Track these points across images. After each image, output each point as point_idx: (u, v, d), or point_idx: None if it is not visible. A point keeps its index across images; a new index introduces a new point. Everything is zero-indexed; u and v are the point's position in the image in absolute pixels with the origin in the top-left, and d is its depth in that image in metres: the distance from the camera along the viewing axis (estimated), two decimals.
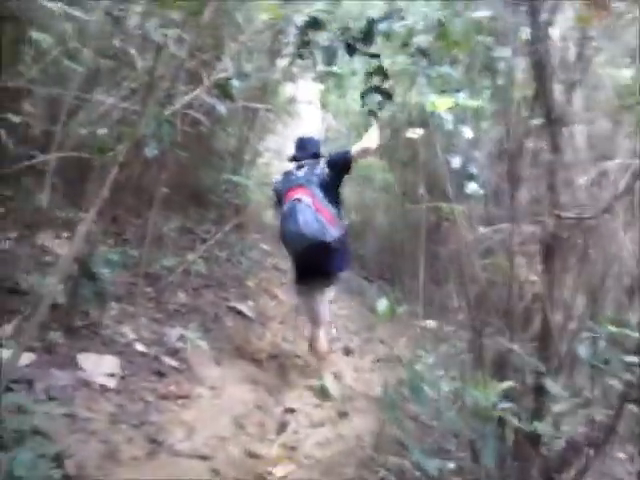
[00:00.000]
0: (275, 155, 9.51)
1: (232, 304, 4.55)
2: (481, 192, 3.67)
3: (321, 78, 8.02)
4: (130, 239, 4.82)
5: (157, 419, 2.57)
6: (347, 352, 4.25)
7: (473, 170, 3.40)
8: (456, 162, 3.55)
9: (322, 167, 3.68)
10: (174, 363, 3.14)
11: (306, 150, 3.89)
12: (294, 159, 3.88)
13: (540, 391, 2.33)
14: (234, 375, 3.37)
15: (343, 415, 3.19)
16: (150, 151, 2.84)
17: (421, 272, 4.65)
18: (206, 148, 6.93)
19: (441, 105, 2.87)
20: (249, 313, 4.54)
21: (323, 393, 3.51)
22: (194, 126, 5.80)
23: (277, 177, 3.98)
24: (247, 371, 3.51)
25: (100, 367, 2.72)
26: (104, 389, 2.61)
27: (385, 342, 4.64)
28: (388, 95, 3.42)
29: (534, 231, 3.25)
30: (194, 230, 5.83)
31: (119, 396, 2.61)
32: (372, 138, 3.80)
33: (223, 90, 3.32)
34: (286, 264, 6.82)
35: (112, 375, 2.72)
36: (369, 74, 3.84)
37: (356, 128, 8.95)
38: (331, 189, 3.64)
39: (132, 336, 3.23)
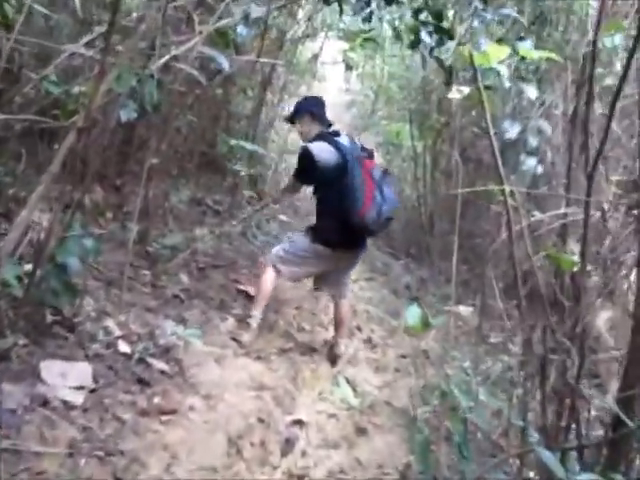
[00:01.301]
0: None
1: (242, 287, 4.00)
2: (540, 169, 3.01)
3: (347, 36, 7.27)
4: (132, 211, 4.28)
5: (131, 446, 2.04)
6: (369, 346, 3.67)
7: (532, 142, 2.74)
8: (512, 131, 2.89)
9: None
10: (163, 366, 2.60)
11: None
12: (328, 124, 3.34)
13: (620, 439, 1.73)
14: (236, 378, 2.83)
15: (362, 432, 2.63)
16: (126, 113, 2.24)
17: (455, 253, 4.02)
18: (221, 111, 6.32)
19: (494, 55, 2.20)
20: None
21: (339, 400, 2.96)
22: (204, 87, 5.18)
23: (341, 139, 3.17)
24: (252, 372, 2.96)
25: (67, 378, 2.19)
26: (68, 407, 2.08)
27: (411, 333, 4.05)
28: (446, 32, 2.72)
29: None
30: (205, 201, 5.26)
31: (86, 416, 2.09)
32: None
33: (225, 40, 2.69)
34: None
35: (81, 388, 2.19)
36: (417, 11, 3.14)
37: (384, 92, 8.21)
38: None
39: (116, 332, 2.70)
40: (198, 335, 2.73)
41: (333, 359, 3.39)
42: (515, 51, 2.34)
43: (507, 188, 2.27)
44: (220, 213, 5.32)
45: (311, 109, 3.29)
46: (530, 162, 2.87)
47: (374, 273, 5.45)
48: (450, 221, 5.77)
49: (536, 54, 2.22)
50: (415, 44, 3.57)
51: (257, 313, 3.32)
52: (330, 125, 3.33)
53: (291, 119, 3.42)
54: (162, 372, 2.57)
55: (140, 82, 2.32)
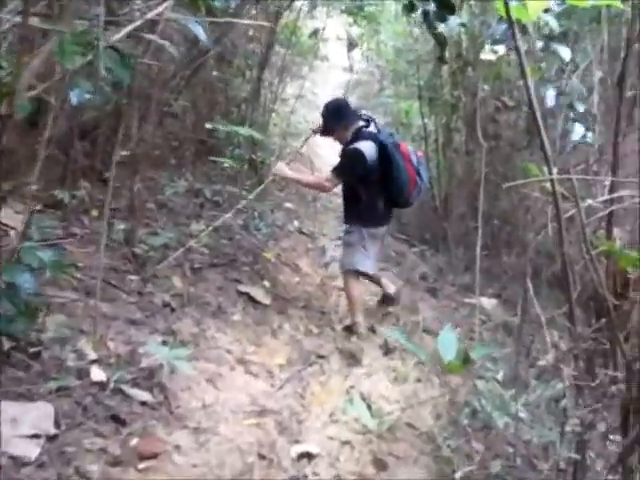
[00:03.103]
0: (302, 102, 8.29)
1: (243, 288, 3.54)
2: (591, 141, 2.51)
3: (349, 11, 6.70)
4: (121, 208, 3.82)
5: None
6: (386, 350, 3.20)
7: (579, 107, 2.22)
8: (548, 98, 2.37)
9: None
10: (144, 396, 2.16)
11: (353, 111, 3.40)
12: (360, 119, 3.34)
13: None
14: (233, 402, 2.38)
15: (381, 465, 2.18)
16: (77, 95, 1.76)
17: (479, 239, 3.54)
18: (219, 95, 5.82)
19: (535, 6, 1.70)
20: (264, 299, 3.52)
21: (353, 419, 2.50)
22: (197, 69, 4.70)
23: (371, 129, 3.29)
24: (252, 392, 2.52)
25: (20, 424, 1.75)
26: (18, 465, 1.64)
27: (432, 332, 3.58)
28: (448, 5, 2.21)
29: None
30: (203, 192, 4.78)
31: (41, 473, 1.65)
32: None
33: (195, 3, 2.20)
34: (313, 226, 5.78)
35: (37, 436, 1.75)
36: None
37: (391, 68, 7.64)
38: None
39: (91, 355, 2.25)
40: (185, 356, 2.28)
41: (390, 302, 3.74)
42: None
43: (555, 177, 1.78)
44: (220, 204, 4.84)
45: (342, 122, 3.24)
46: (579, 130, 2.36)
47: (386, 263, 4.96)
48: (467, 204, 5.26)
49: (589, 1, 1.71)
50: (410, 9, 3.04)
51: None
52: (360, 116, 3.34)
53: (325, 134, 3.43)
54: (143, 403, 2.12)
55: (97, 55, 1.85)
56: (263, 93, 5.55)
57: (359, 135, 3.18)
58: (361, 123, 3.26)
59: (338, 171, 3.21)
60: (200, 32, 2.00)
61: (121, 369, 2.22)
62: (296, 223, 5.66)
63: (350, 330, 3.39)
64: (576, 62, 3.24)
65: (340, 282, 4.47)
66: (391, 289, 3.70)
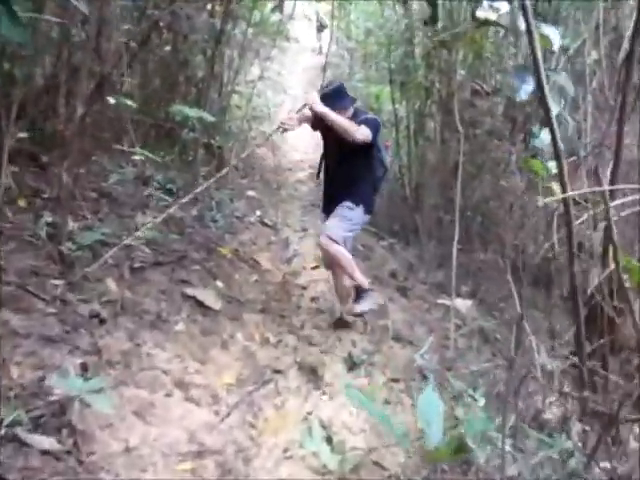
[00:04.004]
0: (267, 84, 7.76)
1: (190, 291, 3.06)
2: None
3: None
4: (53, 197, 3.28)
5: None
6: (350, 365, 2.78)
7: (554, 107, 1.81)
8: (524, 90, 1.96)
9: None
10: (47, 443, 1.68)
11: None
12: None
13: None
14: (166, 440, 1.93)
15: None
16: None
17: (456, 235, 3.15)
18: (178, 74, 5.27)
19: None
20: (214, 304, 3.06)
21: (311, 453, 2.08)
22: (147, 44, 4.15)
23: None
24: (191, 425, 2.07)
25: None
26: None
27: (403, 339, 3.18)
28: None
29: None
30: (153, 179, 4.25)
31: None
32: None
33: None
34: (276, 216, 5.33)
35: None
36: None
37: (362, 49, 7.17)
38: None
39: None
40: (101, 387, 1.81)
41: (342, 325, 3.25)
42: None
43: (571, 194, 1.37)
44: (174, 193, 4.32)
45: (352, 102, 3.17)
46: (545, 135, 1.99)
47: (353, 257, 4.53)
48: (439, 194, 4.87)
49: None
50: None
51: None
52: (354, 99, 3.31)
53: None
54: (45, 453, 1.65)
55: None
56: (223, 72, 5.01)
57: (360, 112, 3.17)
58: (355, 105, 3.24)
59: (367, 128, 3.05)
60: None
61: (21, 406, 1.74)
62: (258, 213, 5.19)
63: (360, 294, 3.21)
64: (565, 46, 2.84)
65: (303, 280, 4.05)
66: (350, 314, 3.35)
